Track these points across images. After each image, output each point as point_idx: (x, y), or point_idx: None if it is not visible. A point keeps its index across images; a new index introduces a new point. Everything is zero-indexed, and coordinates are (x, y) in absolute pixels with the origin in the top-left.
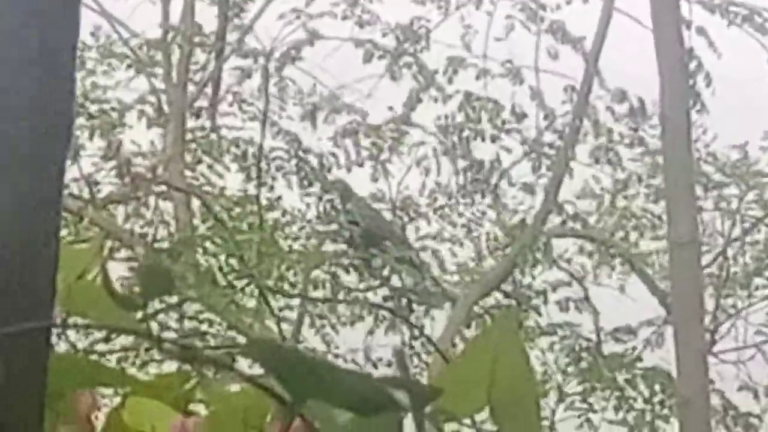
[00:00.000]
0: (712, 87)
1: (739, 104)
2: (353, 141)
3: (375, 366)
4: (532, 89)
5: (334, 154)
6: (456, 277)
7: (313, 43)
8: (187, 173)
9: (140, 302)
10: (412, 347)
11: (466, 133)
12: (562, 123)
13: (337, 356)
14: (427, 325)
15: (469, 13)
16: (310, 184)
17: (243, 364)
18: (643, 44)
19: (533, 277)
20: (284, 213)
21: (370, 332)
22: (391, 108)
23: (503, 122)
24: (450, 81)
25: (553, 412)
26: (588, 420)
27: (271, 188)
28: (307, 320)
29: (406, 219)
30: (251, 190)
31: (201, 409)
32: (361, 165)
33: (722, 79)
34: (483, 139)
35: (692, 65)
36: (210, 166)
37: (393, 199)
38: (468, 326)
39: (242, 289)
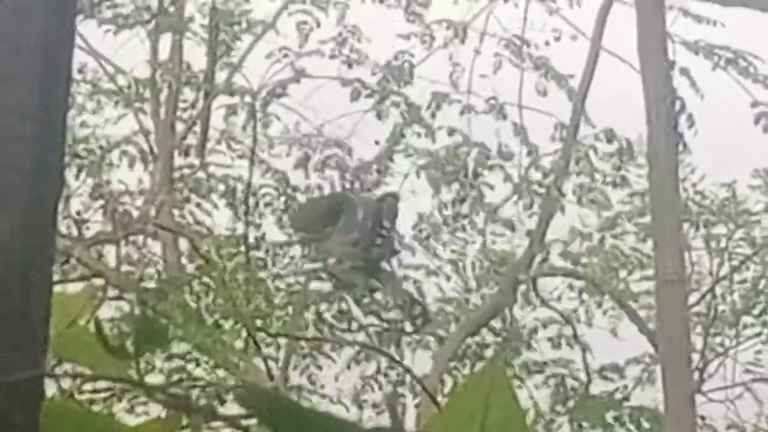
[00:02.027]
0: (694, 128)
1: (728, 143)
2: (339, 174)
3: (361, 407)
4: (515, 125)
5: (320, 186)
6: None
7: (299, 80)
8: (176, 212)
9: (133, 353)
10: (398, 376)
11: (449, 169)
12: (550, 161)
13: (324, 396)
14: (414, 357)
15: (456, 50)
16: None
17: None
18: (629, 83)
19: (513, 318)
20: (267, 251)
21: (356, 362)
22: (377, 142)
23: (487, 157)
24: (433, 116)
25: None
26: None
27: (259, 226)
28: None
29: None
30: (239, 228)
31: None
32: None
33: (710, 118)
34: (466, 176)
35: (676, 106)
36: (198, 204)
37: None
38: (457, 363)
39: (227, 329)
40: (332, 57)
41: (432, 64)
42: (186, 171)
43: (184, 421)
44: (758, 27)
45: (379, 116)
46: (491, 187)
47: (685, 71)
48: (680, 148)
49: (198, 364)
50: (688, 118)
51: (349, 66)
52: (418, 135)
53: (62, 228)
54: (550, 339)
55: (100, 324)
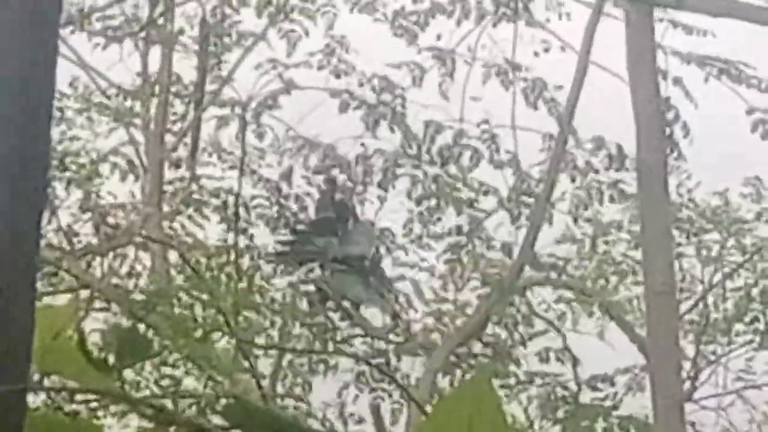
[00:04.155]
0: (690, 137)
1: (720, 151)
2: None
3: (346, 423)
4: (509, 152)
5: (308, 194)
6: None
7: (289, 91)
8: (166, 223)
9: (116, 366)
10: (386, 391)
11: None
12: (540, 171)
13: (310, 414)
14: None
15: (443, 77)
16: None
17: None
18: (619, 95)
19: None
20: (259, 255)
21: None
22: (363, 145)
23: (480, 184)
24: (428, 151)
25: None
26: None
27: (252, 236)
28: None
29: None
30: (232, 240)
31: None
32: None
33: (702, 127)
34: (459, 210)
35: (670, 115)
36: (190, 217)
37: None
38: (445, 374)
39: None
40: (320, 68)
41: (423, 89)
42: (178, 185)
43: None
44: (747, 36)
45: (368, 128)
46: (486, 213)
47: (678, 81)
48: (675, 155)
49: (188, 373)
50: (683, 127)
51: (337, 76)
52: (415, 166)
53: (53, 240)
54: (537, 353)
55: (83, 336)
